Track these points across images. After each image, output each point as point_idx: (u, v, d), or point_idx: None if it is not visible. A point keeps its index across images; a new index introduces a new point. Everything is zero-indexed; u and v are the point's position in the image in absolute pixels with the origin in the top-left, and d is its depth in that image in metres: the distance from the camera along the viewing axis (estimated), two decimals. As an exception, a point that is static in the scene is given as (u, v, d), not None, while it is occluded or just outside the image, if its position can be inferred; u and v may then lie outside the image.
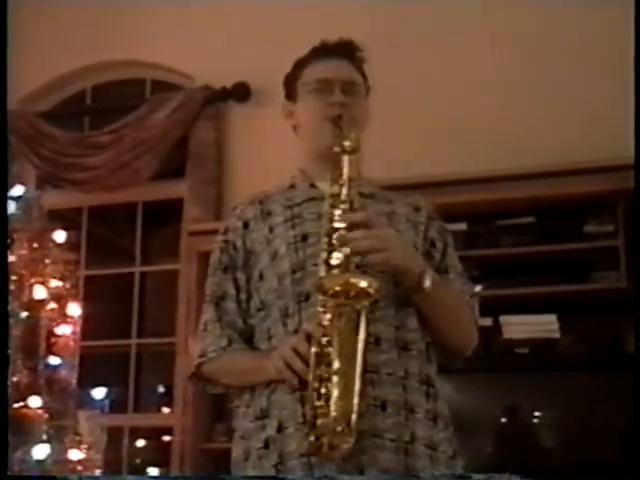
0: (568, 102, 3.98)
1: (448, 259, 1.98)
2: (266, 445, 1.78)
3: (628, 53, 2.72)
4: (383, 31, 4.18)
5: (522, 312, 3.68)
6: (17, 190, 3.54)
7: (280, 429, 1.77)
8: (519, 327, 3.67)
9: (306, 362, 1.69)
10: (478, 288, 3.42)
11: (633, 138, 2.61)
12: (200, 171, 4.49)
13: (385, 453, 1.71)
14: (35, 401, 3.26)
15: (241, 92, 4.50)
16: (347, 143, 1.85)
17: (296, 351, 1.71)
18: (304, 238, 1.87)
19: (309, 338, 1.70)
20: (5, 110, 3.49)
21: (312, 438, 1.66)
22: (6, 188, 3.43)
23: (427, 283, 1.78)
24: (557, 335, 3.63)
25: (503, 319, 3.67)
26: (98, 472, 3.34)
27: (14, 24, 3.63)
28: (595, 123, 3.87)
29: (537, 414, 3.64)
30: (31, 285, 3.40)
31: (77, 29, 4.83)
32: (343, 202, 1.80)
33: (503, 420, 3.66)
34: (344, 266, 1.73)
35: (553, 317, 3.65)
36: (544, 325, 3.65)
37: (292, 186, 2.02)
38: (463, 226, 3.76)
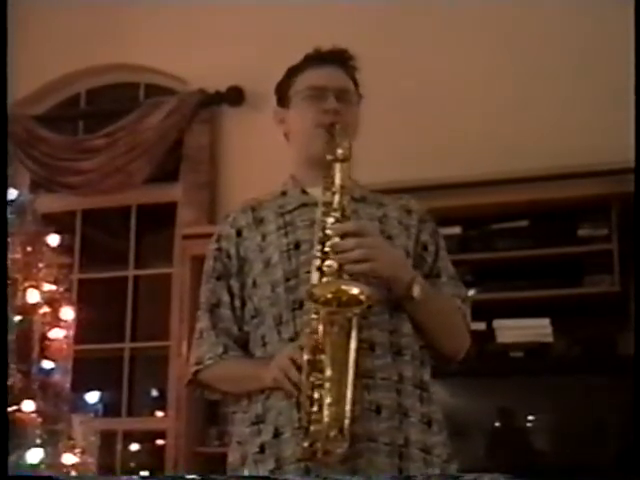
0: (563, 106, 3.98)
1: (440, 262, 1.99)
2: (262, 450, 1.79)
3: (628, 56, 2.72)
4: (379, 35, 4.18)
5: (516, 316, 3.68)
6: (11, 194, 3.53)
7: (276, 434, 1.78)
8: (513, 331, 3.67)
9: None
10: (472, 292, 3.42)
11: (633, 142, 2.61)
12: (194, 175, 4.49)
13: (380, 457, 1.72)
14: (28, 405, 3.25)
15: (235, 96, 4.50)
16: (340, 151, 1.85)
17: (293, 361, 1.72)
18: (297, 246, 1.88)
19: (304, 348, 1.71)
20: (5, 115, 3.49)
21: (306, 444, 1.66)
22: (5, 194, 3.42)
23: (416, 292, 1.80)
24: (551, 339, 3.63)
25: (497, 323, 3.67)
26: (91, 476, 3.34)
27: (8, 28, 3.61)
28: (590, 127, 3.87)
29: (531, 418, 3.64)
30: (24, 289, 3.39)
31: (71, 33, 4.82)
32: (335, 210, 1.81)
33: (497, 424, 3.67)
34: (336, 274, 1.74)
35: (547, 321, 3.64)
36: (538, 329, 3.65)
37: (284, 193, 2.02)
38: (457, 230, 3.76)
